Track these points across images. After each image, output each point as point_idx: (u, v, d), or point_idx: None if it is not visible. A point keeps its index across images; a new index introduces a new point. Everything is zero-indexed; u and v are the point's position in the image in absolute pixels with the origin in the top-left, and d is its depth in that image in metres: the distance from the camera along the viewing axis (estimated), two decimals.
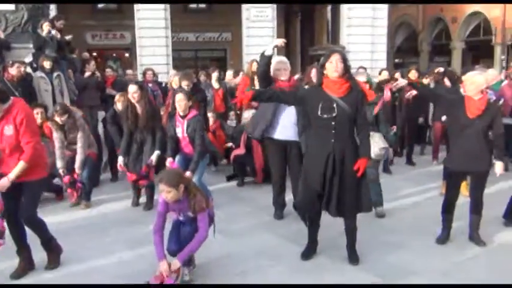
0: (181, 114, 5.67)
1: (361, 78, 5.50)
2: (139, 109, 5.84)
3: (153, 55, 17.20)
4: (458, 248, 4.66)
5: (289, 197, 5.58)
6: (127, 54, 25.24)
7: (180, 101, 5.65)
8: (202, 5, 25.76)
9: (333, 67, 3.94)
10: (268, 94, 4.31)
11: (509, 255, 4.49)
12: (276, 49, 5.25)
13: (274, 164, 5.52)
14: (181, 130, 5.65)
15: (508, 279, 3.95)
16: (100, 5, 24.66)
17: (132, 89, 5.83)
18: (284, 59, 5.43)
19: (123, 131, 6.08)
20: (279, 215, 5.57)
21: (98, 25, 23.96)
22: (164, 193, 3.72)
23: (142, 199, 6.09)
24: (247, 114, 6.83)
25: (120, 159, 5.90)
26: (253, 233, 5.10)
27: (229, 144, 7.33)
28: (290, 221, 5.43)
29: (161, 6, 17.83)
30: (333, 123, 3.94)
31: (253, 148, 6.89)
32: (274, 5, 18.97)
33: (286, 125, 5.21)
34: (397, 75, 9.32)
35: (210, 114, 7.90)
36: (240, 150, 7.01)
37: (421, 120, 8.73)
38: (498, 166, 4.54)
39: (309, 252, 4.42)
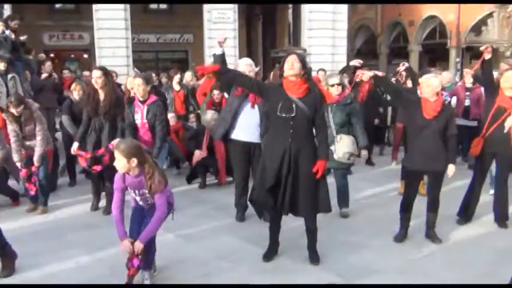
0: (141, 99, 5.58)
1: (333, 81, 5.56)
2: (102, 95, 5.62)
3: (113, 56, 16.91)
4: (415, 245, 4.78)
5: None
6: (86, 56, 24.71)
7: (139, 86, 5.56)
8: (163, 6, 25.53)
9: (288, 66, 4.03)
10: (233, 73, 4.35)
11: (463, 252, 4.64)
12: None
13: (237, 165, 5.53)
14: (140, 116, 5.56)
15: (462, 275, 4.09)
16: (57, 5, 24.07)
17: (96, 74, 5.62)
18: (249, 60, 5.45)
19: (78, 120, 5.92)
20: (240, 217, 5.57)
21: (55, 25, 23.39)
22: (116, 160, 3.64)
23: (102, 203, 5.96)
24: (209, 116, 6.80)
25: (75, 145, 5.68)
26: (214, 236, 5.08)
27: (197, 152, 7.17)
28: (252, 222, 5.44)
29: (121, 6, 17.55)
30: (291, 122, 4.01)
31: (215, 148, 6.86)
32: (236, 7, 19.00)
33: (249, 127, 5.22)
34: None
35: (171, 115, 7.84)
36: (203, 153, 6.97)
37: (376, 121, 8.88)
38: (450, 168, 4.69)
39: (271, 253, 4.44)
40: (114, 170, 3.82)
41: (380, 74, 4.85)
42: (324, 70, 10.11)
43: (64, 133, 7.11)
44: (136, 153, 3.63)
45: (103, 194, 5.97)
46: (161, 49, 25.86)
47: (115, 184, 3.80)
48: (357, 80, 5.09)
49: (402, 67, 7.19)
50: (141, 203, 3.87)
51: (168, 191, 3.86)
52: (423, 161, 4.67)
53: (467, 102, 8.15)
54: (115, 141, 5.40)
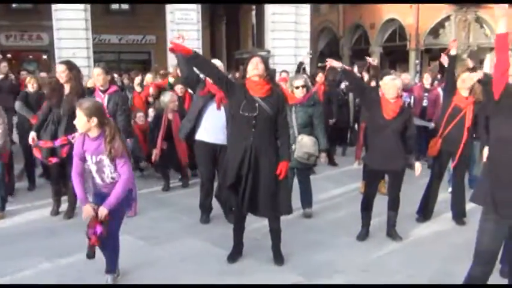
0: (102, 88, 5.48)
1: (298, 82, 5.60)
2: (67, 89, 5.46)
3: (73, 57, 16.45)
4: (377, 244, 4.88)
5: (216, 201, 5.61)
6: (45, 57, 24.11)
7: (99, 75, 5.47)
8: (125, 7, 25.21)
9: (253, 66, 4.08)
10: (205, 60, 4.33)
11: (423, 249, 4.76)
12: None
13: (202, 166, 5.51)
14: None
15: (422, 271, 4.20)
16: (14, 5, 23.38)
17: (59, 68, 5.48)
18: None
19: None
20: (205, 219, 5.56)
21: (13, 25, 22.75)
22: (76, 119, 3.58)
23: (63, 208, 5.82)
24: (167, 97, 6.69)
25: (33, 133, 5.43)
26: (179, 238, 5.04)
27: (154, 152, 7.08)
28: (216, 224, 5.44)
29: (81, 6, 17.23)
30: (253, 122, 4.04)
31: (175, 142, 6.80)
32: (199, 8, 18.95)
33: (215, 128, 5.19)
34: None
35: (140, 114, 7.73)
36: (158, 146, 6.81)
37: (331, 121, 8.92)
38: (416, 167, 4.80)
39: (235, 254, 4.45)
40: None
41: (339, 64, 4.89)
42: (287, 72, 10.19)
43: (21, 135, 6.92)
44: (97, 113, 3.57)
45: (64, 198, 5.83)
46: (123, 50, 25.52)
47: (74, 150, 3.72)
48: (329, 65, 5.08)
49: (372, 61, 7.30)
50: (98, 179, 3.69)
51: (129, 162, 3.75)
52: (383, 161, 4.78)
53: (425, 103, 8.36)
54: (77, 134, 5.20)
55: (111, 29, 23.26)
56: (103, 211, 3.54)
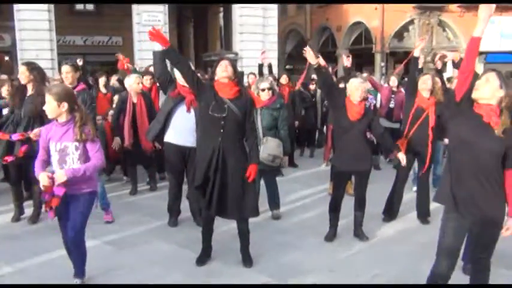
0: (70, 86, 5.40)
1: (264, 85, 5.62)
2: (29, 91, 5.32)
3: (36, 59, 16.08)
4: (344, 244, 4.95)
5: (184, 203, 5.58)
6: (7, 58, 23.38)
7: (67, 73, 5.39)
8: (90, 7, 24.77)
9: (222, 68, 4.11)
10: (180, 56, 4.28)
11: (389, 248, 4.86)
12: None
13: (171, 169, 5.48)
14: None
15: (388, 270, 4.28)
16: None
17: (21, 69, 5.36)
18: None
19: None
20: (173, 222, 5.52)
21: None
22: (46, 104, 3.51)
23: (26, 214, 5.68)
24: (132, 78, 6.54)
25: None
26: (147, 242, 5.00)
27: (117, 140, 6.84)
28: (185, 227, 5.41)
29: (44, 7, 16.84)
30: (222, 122, 4.05)
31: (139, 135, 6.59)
32: (166, 10, 18.80)
33: (184, 130, 5.16)
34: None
35: (111, 112, 7.55)
36: (129, 131, 6.59)
37: (296, 123, 8.99)
38: (401, 157, 4.81)
39: (204, 257, 4.44)
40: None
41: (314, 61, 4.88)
42: (254, 74, 10.24)
43: None
44: (68, 99, 3.53)
45: (28, 203, 5.69)
46: (89, 52, 25.00)
47: (40, 141, 3.65)
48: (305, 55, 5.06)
49: (346, 60, 7.35)
50: (57, 167, 3.57)
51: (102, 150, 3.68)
52: (350, 162, 4.85)
53: (391, 105, 8.52)
54: (36, 130, 4.99)
55: (76, 30, 22.81)
56: (61, 175, 3.44)
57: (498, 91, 2.99)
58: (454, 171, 3.08)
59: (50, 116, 3.59)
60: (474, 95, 3.04)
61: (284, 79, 8.88)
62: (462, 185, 3.04)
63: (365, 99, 4.96)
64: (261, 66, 9.71)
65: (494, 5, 3.12)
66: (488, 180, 2.99)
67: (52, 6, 17.17)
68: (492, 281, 3.29)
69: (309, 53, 4.86)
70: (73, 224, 3.63)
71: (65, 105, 3.50)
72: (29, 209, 5.69)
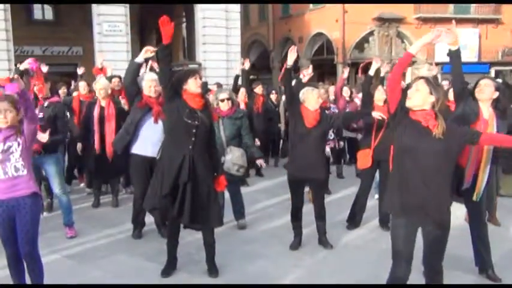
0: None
1: (222, 96, 5.64)
2: None
3: None
4: (309, 252, 5.01)
5: (149, 215, 5.51)
6: None
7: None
8: (49, 17, 24.35)
9: (197, 84, 4.13)
10: (170, 56, 4.26)
11: (352, 255, 4.95)
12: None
13: (136, 180, 5.40)
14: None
15: (351, 276, 4.35)
16: None
17: None
18: (155, 76, 5.31)
19: None
20: (137, 234, 5.46)
21: None
22: (3, 113, 3.41)
23: None
24: (100, 83, 6.46)
25: None
26: (111, 255, 4.92)
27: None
28: (149, 239, 5.35)
29: (1, 16, 16.46)
30: (194, 130, 4.07)
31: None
32: (128, 20, 18.68)
33: (151, 142, 5.11)
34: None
35: None
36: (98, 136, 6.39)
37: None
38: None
39: (169, 269, 4.41)
40: None
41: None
42: (220, 84, 10.26)
43: None
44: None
45: None
46: (48, 62, 24.36)
47: None
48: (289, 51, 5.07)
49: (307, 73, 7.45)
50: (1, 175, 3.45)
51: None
52: (304, 169, 4.91)
53: None
54: None
55: (34, 40, 22.30)
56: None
57: (429, 97, 3.14)
58: (401, 179, 3.20)
59: (6, 124, 3.46)
60: (408, 104, 3.19)
61: (259, 89, 8.99)
62: (410, 191, 3.15)
63: (327, 108, 5.05)
64: (237, 77, 9.67)
65: (454, 35, 3.27)
66: (434, 182, 3.10)
67: (9, 15, 16.79)
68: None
69: (292, 53, 4.90)
70: (25, 237, 3.50)
71: (20, 114, 3.49)
72: None
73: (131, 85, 5.12)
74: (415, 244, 3.27)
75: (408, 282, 3.29)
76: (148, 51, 4.90)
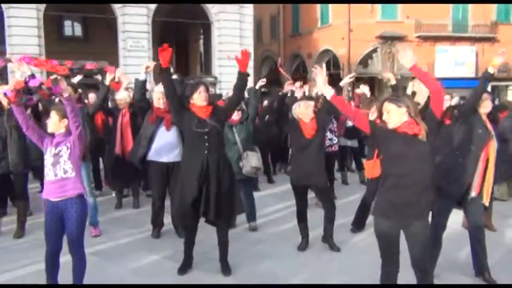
0: None
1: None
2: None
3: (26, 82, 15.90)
4: (316, 253, 4.96)
5: (166, 216, 5.53)
6: None
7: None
8: (78, 33, 24.68)
9: (201, 98, 4.16)
10: (170, 78, 4.26)
11: (357, 257, 4.88)
12: (150, 74, 5.21)
13: (154, 184, 5.45)
14: None
15: (355, 277, 4.30)
16: None
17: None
18: (161, 88, 5.39)
19: None
20: (156, 234, 5.46)
21: None
22: (49, 119, 3.56)
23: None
24: (120, 95, 6.56)
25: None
26: (131, 253, 4.93)
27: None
28: (167, 239, 5.35)
29: (35, 32, 16.73)
30: (206, 136, 4.09)
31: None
32: (150, 37, 18.86)
33: (166, 148, 5.18)
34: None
35: None
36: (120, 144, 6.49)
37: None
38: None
39: (185, 267, 4.40)
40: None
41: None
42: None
43: None
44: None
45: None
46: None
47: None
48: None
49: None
50: (50, 175, 3.52)
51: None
52: (302, 176, 4.89)
53: (349, 124, 8.59)
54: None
55: (64, 55, 22.42)
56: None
57: (400, 111, 3.14)
58: (390, 183, 3.20)
59: (50, 130, 3.60)
60: (390, 127, 3.18)
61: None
62: (398, 194, 3.14)
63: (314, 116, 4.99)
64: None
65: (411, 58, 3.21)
66: (422, 182, 3.12)
67: (42, 32, 17.05)
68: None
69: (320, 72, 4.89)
70: (73, 236, 3.58)
71: (65, 121, 3.57)
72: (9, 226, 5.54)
73: (140, 101, 5.27)
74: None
75: (404, 283, 3.27)
76: (148, 67, 4.99)
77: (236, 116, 5.63)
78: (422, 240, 3.23)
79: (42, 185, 5.31)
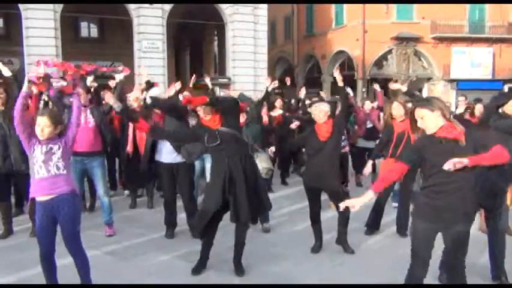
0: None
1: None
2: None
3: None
4: (330, 255, 4.94)
5: (179, 216, 5.56)
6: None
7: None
8: (94, 35, 24.95)
9: (203, 112, 4.36)
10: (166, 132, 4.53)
11: (370, 259, 4.86)
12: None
13: (165, 185, 5.52)
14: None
15: (368, 279, 4.27)
16: None
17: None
18: (157, 90, 5.62)
19: None
20: (170, 234, 5.49)
21: None
22: (42, 127, 3.50)
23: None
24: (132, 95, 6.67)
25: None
26: (145, 253, 4.95)
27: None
28: (181, 240, 5.38)
29: (52, 34, 16.97)
30: (221, 146, 4.12)
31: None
32: (165, 38, 18.97)
33: (170, 149, 5.27)
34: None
35: None
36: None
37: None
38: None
39: (200, 267, 4.42)
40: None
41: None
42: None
43: None
44: (61, 120, 3.68)
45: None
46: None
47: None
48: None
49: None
50: (42, 172, 3.50)
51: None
52: (315, 178, 4.87)
53: (369, 125, 8.55)
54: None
55: (80, 56, 22.75)
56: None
57: (435, 115, 3.05)
58: (432, 188, 3.12)
59: (43, 137, 3.54)
60: (428, 133, 3.11)
61: (278, 102, 8.92)
62: (441, 199, 3.08)
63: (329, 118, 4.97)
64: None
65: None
66: (464, 187, 3.04)
67: (59, 33, 17.27)
68: None
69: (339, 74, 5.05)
70: (68, 233, 3.56)
71: (59, 128, 3.60)
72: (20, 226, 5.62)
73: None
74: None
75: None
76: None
77: (242, 118, 5.65)
78: (462, 243, 3.19)
79: None
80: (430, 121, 3.06)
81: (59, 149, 3.55)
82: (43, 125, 3.51)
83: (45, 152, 3.51)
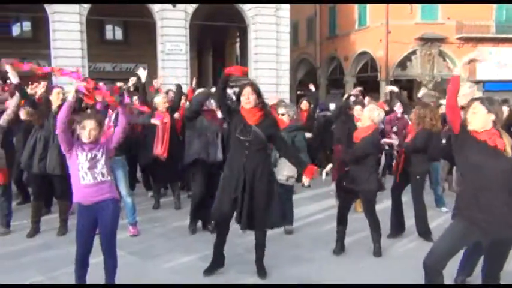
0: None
1: (280, 111, 5.83)
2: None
3: (70, 83, 16.43)
4: (353, 258, 4.90)
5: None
6: (43, 82, 23.87)
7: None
8: (119, 37, 25.35)
9: (245, 99, 4.13)
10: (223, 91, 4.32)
11: (393, 263, 4.80)
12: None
13: (197, 180, 5.57)
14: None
15: (391, 282, 4.21)
16: (14, 33, 23.34)
17: (56, 90, 5.94)
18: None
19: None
20: (193, 229, 5.60)
21: (13, 53, 22.44)
22: (89, 130, 3.57)
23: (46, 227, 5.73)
24: (158, 98, 6.88)
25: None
26: (169, 254, 5.01)
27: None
28: (203, 241, 5.39)
29: (77, 36, 17.33)
30: (247, 144, 4.08)
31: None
32: (188, 40, 19.14)
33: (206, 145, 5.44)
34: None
35: None
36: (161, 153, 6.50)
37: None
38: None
39: (213, 268, 4.40)
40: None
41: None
42: (282, 100, 10.22)
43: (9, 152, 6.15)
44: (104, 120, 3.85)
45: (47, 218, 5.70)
46: (117, 77, 25.38)
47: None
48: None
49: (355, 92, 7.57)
50: (88, 178, 3.57)
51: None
52: (354, 180, 4.83)
53: (395, 129, 8.48)
54: None
55: (105, 58, 23.30)
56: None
57: (488, 116, 3.01)
58: (471, 195, 3.06)
59: (89, 140, 3.61)
60: (470, 128, 3.05)
61: (304, 105, 8.83)
62: (479, 208, 3.01)
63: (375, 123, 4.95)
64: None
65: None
66: (502, 200, 2.96)
67: (85, 36, 17.59)
68: None
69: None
70: (106, 236, 3.66)
71: (102, 132, 3.69)
72: (46, 225, 5.74)
73: (195, 109, 5.42)
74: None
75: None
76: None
77: (281, 120, 5.66)
78: (499, 258, 3.16)
79: None
80: (479, 119, 3.02)
81: (102, 155, 3.63)
82: (90, 128, 3.59)
83: (90, 159, 3.59)
